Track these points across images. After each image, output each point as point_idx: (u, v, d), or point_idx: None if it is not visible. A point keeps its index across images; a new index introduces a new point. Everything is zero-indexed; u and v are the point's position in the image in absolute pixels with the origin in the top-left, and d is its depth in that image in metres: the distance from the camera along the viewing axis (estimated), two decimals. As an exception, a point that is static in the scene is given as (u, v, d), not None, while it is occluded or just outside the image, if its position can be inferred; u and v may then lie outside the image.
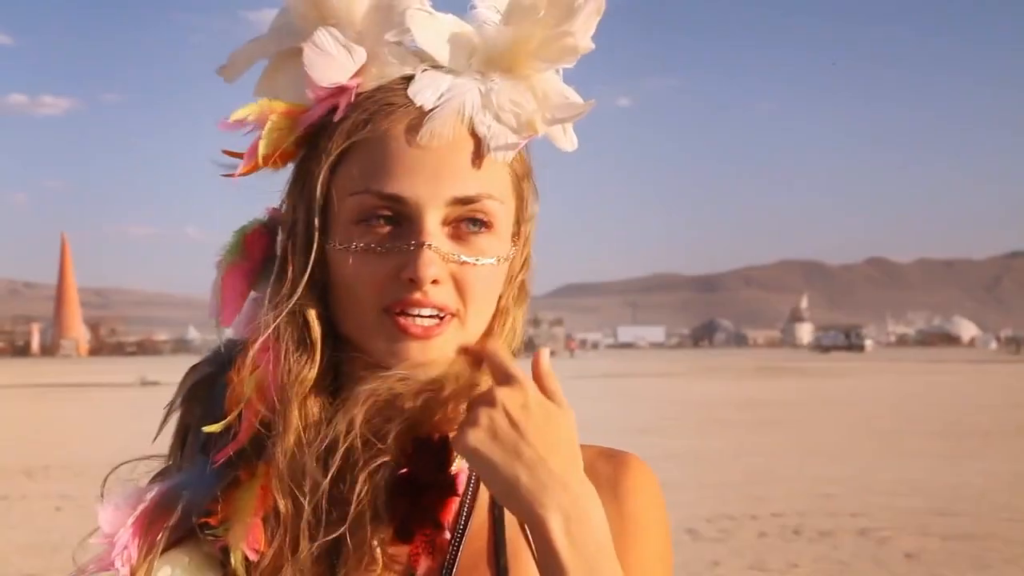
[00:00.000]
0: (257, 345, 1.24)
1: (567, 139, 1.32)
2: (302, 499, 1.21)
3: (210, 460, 1.26)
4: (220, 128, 1.28)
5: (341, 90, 1.23)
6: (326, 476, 1.20)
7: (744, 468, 16.91)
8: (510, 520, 1.23)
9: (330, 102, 1.24)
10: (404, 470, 1.23)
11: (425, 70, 1.23)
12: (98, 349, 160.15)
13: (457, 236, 1.22)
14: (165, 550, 1.24)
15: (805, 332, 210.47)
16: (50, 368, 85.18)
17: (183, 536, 1.25)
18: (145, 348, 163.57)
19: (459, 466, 1.26)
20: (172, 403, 1.37)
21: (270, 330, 1.23)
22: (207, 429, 1.27)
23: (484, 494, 1.27)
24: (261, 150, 1.26)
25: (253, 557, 1.22)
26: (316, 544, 1.21)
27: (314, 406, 1.23)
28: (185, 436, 1.35)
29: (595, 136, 1.32)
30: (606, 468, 1.30)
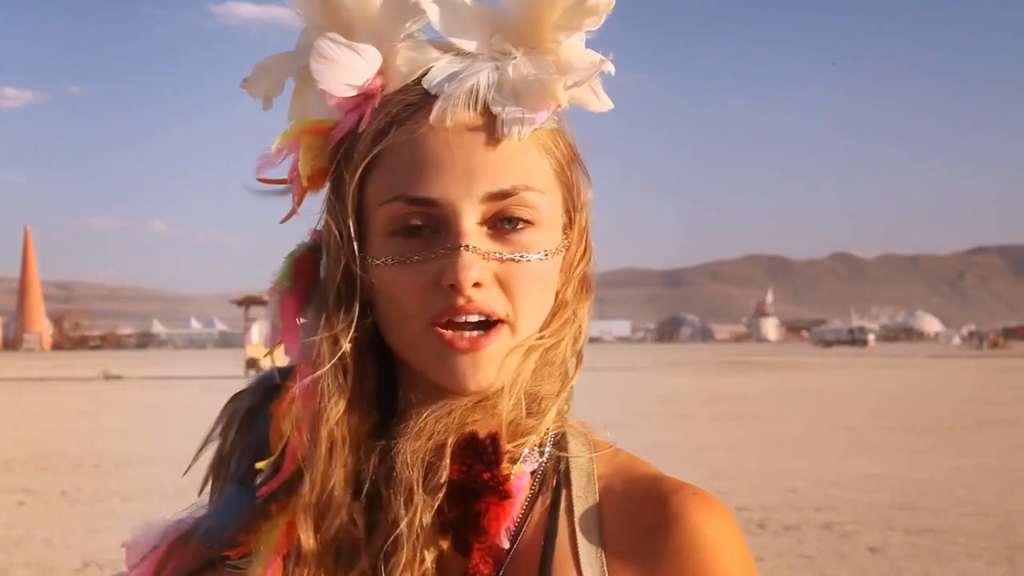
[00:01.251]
0: (299, 376, 1.19)
1: (600, 101, 1.24)
2: (328, 535, 1.15)
3: (251, 493, 1.20)
4: (260, 166, 1.24)
5: (366, 97, 1.19)
6: (361, 511, 1.16)
7: (709, 462, 16.94)
8: (562, 530, 1.17)
9: (357, 111, 1.19)
10: (452, 474, 1.14)
11: (442, 58, 1.18)
12: (61, 343, 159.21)
13: (497, 236, 1.15)
14: None
15: (770, 327, 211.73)
16: (13, 362, 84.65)
17: (204, 568, 1.20)
18: (109, 342, 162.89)
19: (519, 469, 1.17)
20: (210, 433, 1.29)
21: (310, 359, 1.19)
22: (259, 466, 1.21)
23: (541, 501, 1.19)
24: (302, 172, 1.21)
25: None
26: (356, 570, 1.15)
27: (350, 434, 1.18)
28: (220, 469, 1.28)
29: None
30: (647, 514, 1.17)
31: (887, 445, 19.63)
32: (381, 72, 1.19)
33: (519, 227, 1.16)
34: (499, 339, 1.16)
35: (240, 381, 1.34)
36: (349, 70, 1.18)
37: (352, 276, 1.19)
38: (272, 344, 1.26)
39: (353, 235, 1.18)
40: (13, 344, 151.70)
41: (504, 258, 1.15)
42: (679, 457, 17.56)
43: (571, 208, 1.23)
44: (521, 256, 1.16)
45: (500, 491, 1.12)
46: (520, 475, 1.17)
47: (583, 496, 1.19)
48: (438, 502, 1.13)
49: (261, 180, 1.25)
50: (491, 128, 1.15)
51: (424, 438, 1.14)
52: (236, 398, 1.30)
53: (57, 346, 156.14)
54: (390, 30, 1.19)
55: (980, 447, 19.21)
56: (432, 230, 1.15)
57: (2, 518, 12.43)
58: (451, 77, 1.16)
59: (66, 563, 9.86)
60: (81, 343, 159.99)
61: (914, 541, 10.86)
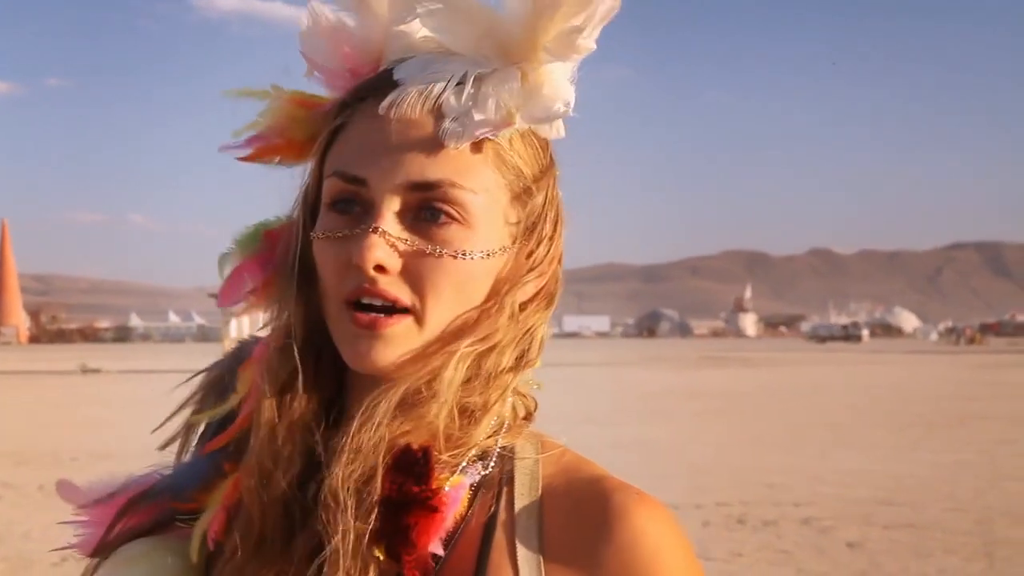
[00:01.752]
0: (263, 341, 1.24)
1: (551, 129, 1.23)
2: (268, 502, 1.16)
3: (213, 458, 1.24)
4: (225, 95, 1.26)
5: (356, 77, 1.22)
6: (301, 489, 1.17)
7: (689, 458, 16.98)
8: (500, 529, 1.15)
9: (339, 90, 1.23)
10: (384, 490, 1.12)
11: (425, 51, 1.19)
12: (39, 336, 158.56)
13: (416, 227, 1.15)
14: (137, 536, 1.23)
15: (749, 322, 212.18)
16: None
17: (161, 524, 1.23)
18: (87, 335, 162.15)
19: (456, 480, 1.15)
20: (184, 402, 1.32)
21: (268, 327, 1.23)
22: (191, 418, 1.27)
23: (479, 511, 1.17)
24: (255, 126, 1.25)
25: (210, 546, 1.19)
26: (289, 547, 1.16)
27: (298, 408, 1.19)
28: (188, 434, 1.31)
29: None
30: (587, 512, 1.16)
31: (867, 441, 19.71)
32: (375, 56, 1.22)
33: (441, 221, 1.15)
34: (400, 326, 1.15)
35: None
36: (332, 42, 1.24)
37: (295, 248, 1.22)
38: (223, 303, 1.28)
39: (308, 206, 1.22)
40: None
41: (415, 248, 1.14)
42: (659, 453, 17.60)
43: (524, 220, 1.21)
44: (435, 249, 1.14)
45: (428, 506, 1.11)
46: (457, 487, 1.15)
47: (524, 494, 1.18)
48: (368, 515, 1.11)
49: (232, 138, 1.28)
50: (434, 128, 1.15)
51: (358, 461, 1.13)
52: (210, 368, 1.33)
53: (34, 339, 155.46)
54: (388, 16, 1.21)
55: (959, 443, 19.30)
56: (362, 210, 1.16)
57: (-21, 512, 12.38)
58: (418, 71, 1.17)
59: (44, 557, 9.81)
60: (58, 336, 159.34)
61: (893, 536, 10.90)
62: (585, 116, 1.23)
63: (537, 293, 1.23)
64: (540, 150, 1.22)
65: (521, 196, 1.20)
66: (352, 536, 1.11)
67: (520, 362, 1.21)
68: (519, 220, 1.20)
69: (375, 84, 1.18)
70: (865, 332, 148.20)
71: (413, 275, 1.14)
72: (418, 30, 1.19)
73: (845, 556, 10.08)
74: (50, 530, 10.82)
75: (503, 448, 1.21)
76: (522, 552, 1.14)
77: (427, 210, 1.15)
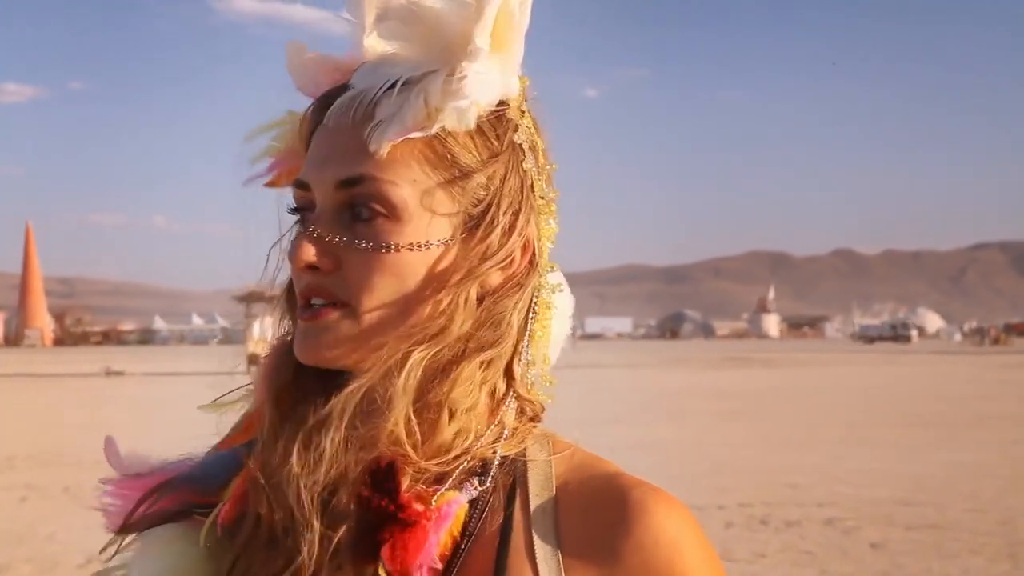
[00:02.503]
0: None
1: (460, 122, 1.17)
2: (271, 494, 1.17)
3: (238, 453, 1.26)
4: (247, 138, 1.33)
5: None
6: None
7: (711, 458, 16.95)
8: (517, 529, 1.15)
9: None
10: (352, 504, 1.12)
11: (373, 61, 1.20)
12: (63, 339, 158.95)
13: (349, 225, 1.18)
14: (161, 521, 1.24)
15: (772, 323, 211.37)
16: (14, 358, 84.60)
17: (181, 513, 1.25)
18: (111, 338, 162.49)
19: (449, 496, 1.14)
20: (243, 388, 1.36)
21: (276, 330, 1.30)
22: (200, 407, 1.32)
23: (491, 521, 1.16)
24: (272, 153, 1.32)
25: (218, 530, 1.20)
26: (279, 549, 1.15)
27: (296, 405, 1.21)
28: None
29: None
30: (605, 510, 1.15)
31: (888, 441, 19.63)
32: (348, 67, 1.25)
33: (365, 216, 1.17)
34: (334, 316, 1.17)
35: (242, 377, 1.35)
36: (308, 74, 1.30)
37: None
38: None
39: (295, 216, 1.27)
40: (15, 340, 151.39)
41: (344, 244, 1.17)
42: (681, 453, 17.57)
43: (470, 208, 1.19)
44: (363, 244, 1.16)
45: (400, 519, 1.10)
46: (450, 502, 1.14)
47: (539, 494, 1.17)
48: (339, 532, 1.12)
49: (254, 162, 1.34)
50: (362, 131, 1.17)
51: (320, 467, 1.13)
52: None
53: (59, 342, 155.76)
54: (364, 20, 1.21)
55: (982, 443, 19.20)
56: (311, 215, 1.21)
57: (5, 514, 12.44)
58: (364, 78, 1.19)
59: (69, 559, 9.87)
60: (83, 339, 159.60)
61: (915, 537, 10.86)
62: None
63: (504, 282, 1.21)
64: (492, 137, 1.21)
65: (456, 185, 1.19)
66: (316, 546, 1.12)
67: (488, 352, 1.19)
68: (458, 211, 1.19)
69: (334, 95, 1.22)
70: (915, 332, 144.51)
71: (346, 271, 1.17)
72: (377, 40, 1.21)
73: (868, 557, 10.06)
74: (74, 532, 10.88)
75: (511, 453, 1.20)
76: (540, 552, 1.14)
77: (355, 207, 1.17)
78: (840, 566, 9.70)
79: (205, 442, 1.33)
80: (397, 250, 1.16)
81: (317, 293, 1.18)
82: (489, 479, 1.18)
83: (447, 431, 1.16)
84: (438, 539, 1.12)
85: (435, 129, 1.16)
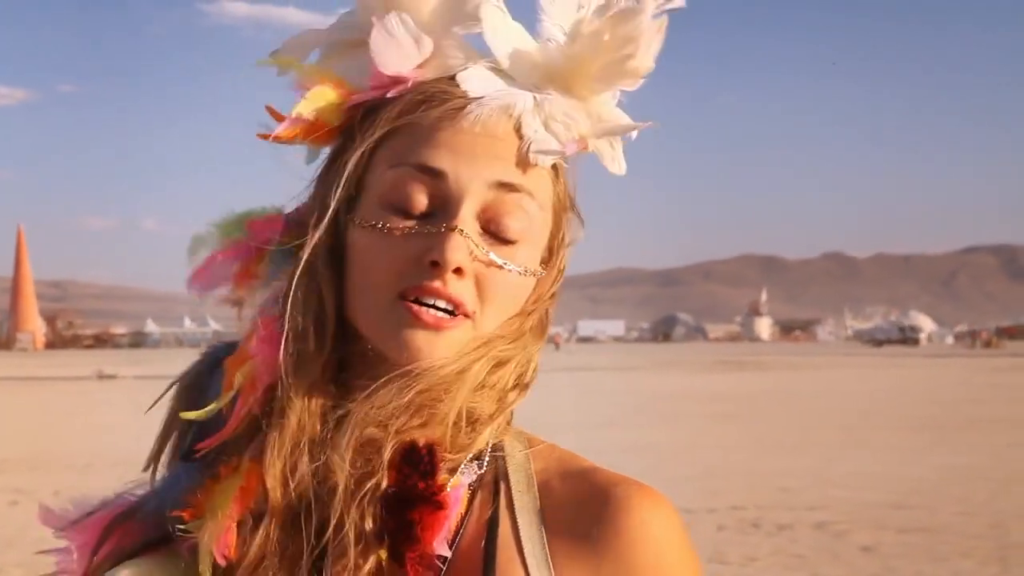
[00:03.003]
0: (260, 331, 1.18)
1: (616, 162, 1.26)
2: (295, 498, 1.14)
3: (197, 469, 1.19)
4: (261, 64, 1.26)
5: (397, 80, 1.20)
6: (319, 486, 1.14)
7: (703, 461, 16.96)
8: (504, 526, 1.16)
9: (384, 91, 1.21)
10: (390, 484, 1.13)
11: (482, 67, 1.20)
12: (54, 342, 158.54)
13: (487, 237, 1.17)
14: (125, 558, 1.18)
15: (764, 326, 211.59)
16: (6, 361, 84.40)
17: (150, 544, 1.18)
18: (102, 341, 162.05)
19: (455, 481, 1.16)
20: (165, 420, 1.29)
21: (272, 316, 1.19)
22: (184, 415, 1.21)
23: (479, 510, 1.18)
24: (299, 108, 1.20)
25: (221, 562, 1.13)
26: (304, 557, 1.13)
27: (318, 400, 1.16)
28: (164, 442, 1.27)
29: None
30: (589, 507, 1.17)
31: (880, 444, 19.66)
32: (422, 64, 1.21)
33: (507, 239, 1.17)
34: (462, 329, 1.16)
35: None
36: (405, 53, 1.20)
37: (328, 230, 1.19)
38: (194, 286, 1.25)
39: (341, 192, 1.19)
40: (6, 343, 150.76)
41: (489, 259, 1.16)
42: (673, 457, 17.58)
43: (554, 244, 1.24)
44: (505, 263, 1.17)
45: (434, 502, 1.12)
46: (457, 487, 1.16)
47: (522, 491, 1.19)
48: (372, 510, 1.12)
49: (269, 111, 1.24)
50: (516, 143, 1.17)
51: (360, 444, 1.13)
52: (182, 376, 1.29)
53: (50, 345, 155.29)
54: (441, 26, 1.21)
55: (973, 446, 19.24)
56: (428, 213, 1.16)
57: (-5, 517, 12.41)
58: (485, 86, 1.18)
59: (59, 562, 9.85)
60: (74, 342, 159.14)
61: (907, 540, 10.88)
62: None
63: (540, 319, 1.25)
64: (568, 184, 1.26)
65: (558, 223, 1.24)
66: (353, 528, 1.11)
67: (519, 382, 1.23)
68: (551, 246, 1.24)
69: (446, 89, 1.19)
70: (923, 335, 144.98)
71: (481, 283, 1.16)
72: (465, 46, 1.21)
73: (860, 560, 10.07)
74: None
75: (492, 447, 1.22)
76: (528, 546, 1.15)
77: (496, 223, 1.17)
78: (831, 569, 9.71)
79: (140, 470, 1.28)
80: (525, 274, 1.19)
81: (447, 297, 1.14)
82: (485, 463, 1.21)
83: (479, 439, 1.19)
84: (451, 523, 1.13)
85: (591, 149, 1.23)
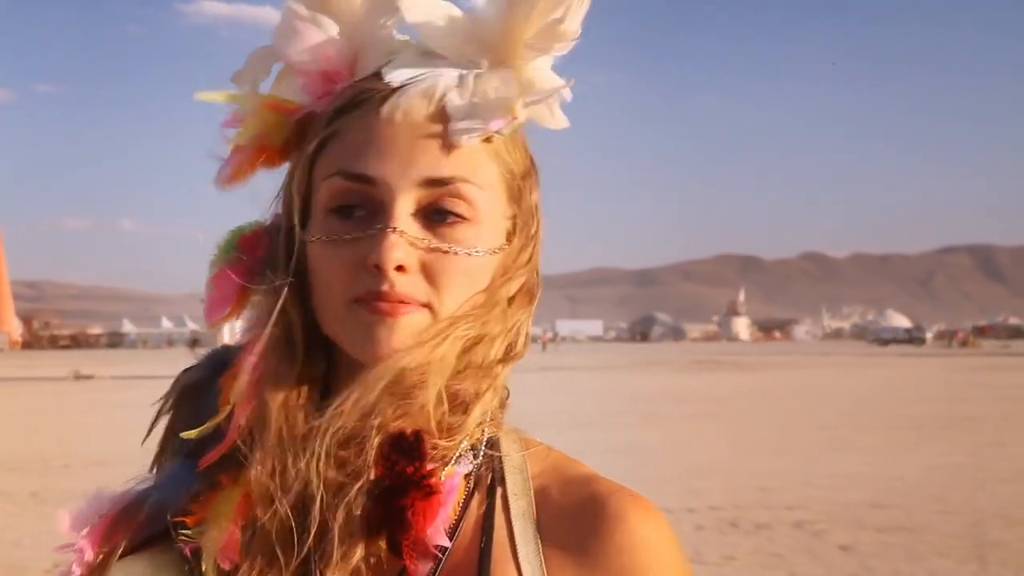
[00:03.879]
0: (248, 345, 1.21)
1: (555, 119, 1.25)
2: (282, 509, 1.15)
3: (194, 464, 1.21)
4: (198, 99, 1.27)
5: (333, 82, 1.22)
6: (305, 493, 1.15)
7: (682, 461, 16.98)
8: (499, 527, 1.17)
9: (322, 99, 1.22)
10: (378, 471, 1.13)
11: (409, 54, 1.20)
12: (31, 343, 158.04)
13: (429, 227, 1.16)
14: (127, 553, 1.19)
15: (742, 326, 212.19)
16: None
17: (151, 539, 1.20)
18: (79, 342, 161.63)
19: (450, 470, 1.17)
20: (161, 407, 1.31)
21: (259, 332, 1.20)
22: (184, 435, 1.22)
23: (475, 509, 1.19)
24: (237, 139, 1.24)
25: (225, 566, 1.16)
26: (295, 558, 1.14)
27: (298, 412, 1.18)
28: (168, 442, 1.30)
29: (534, 129, 1.28)
30: (584, 514, 1.17)
31: (858, 444, 19.71)
32: (351, 61, 1.22)
33: (450, 221, 1.17)
34: (417, 315, 1.16)
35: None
36: (306, 39, 1.22)
37: (290, 252, 1.21)
38: (211, 319, 1.26)
39: (297, 211, 1.21)
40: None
41: (431, 247, 1.16)
42: (652, 456, 17.59)
43: (516, 216, 1.24)
44: (450, 248, 1.16)
45: (424, 486, 1.12)
46: (452, 476, 1.17)
47: (518, 493, 1.20)
48: (355, 498, 1.12)
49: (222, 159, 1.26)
50: (442, 128, 1.17)
51: (337, 431, 1.14)
52: (186, 372, 1.32)
53: (27, 346, 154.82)
54: (366, 21, 1.22)
55: (950, 446, 19.30)
56: (367, 212, 1.16)
57: (-29, 519, 12.35)
58: (410, 74, 1.18)
59: (36, 564, 9.81)
60: (51, 343, 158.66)
61: (885, 540, 10.91)
62: (577, 120, 1.25)
63: (520, 289, 1.25)
64: (525, 152, 1.26)
65: (514, 194, 1.23)
66: (339, 513, 1.12)
67: (508, 354, 1.23)
68: (513, 216, 1.24)
69: (369, 87, 1.19)
70: (929, 335, 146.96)
71: (430, 272, 1.16)
72: (392, 34, 1.23)
73: (838, 559, 10.09)
74: (42, 537, 10.81)
75: (488, 440, 1.22)
76: (523, 550, 1.16)
77: (438, 211, 1.17)
78: (809, 568, 9.73)
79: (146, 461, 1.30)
80: (479, 253, 1.18)
81: (396, 298, 1.14)
82: (480, 453, 1.21)
83: (468, 420, 1.18)
84: (447, 512, 1.14)
85: (520, 119, 1.20)
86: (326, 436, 1.13)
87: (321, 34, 1.22)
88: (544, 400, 27.60)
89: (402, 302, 1.14)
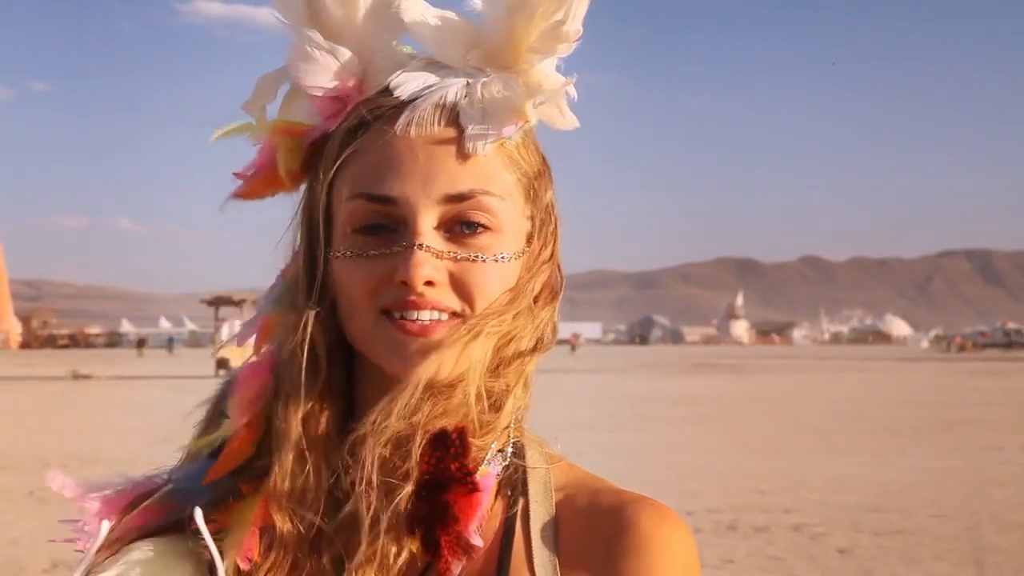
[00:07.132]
0: (261, 360, 1.25)
1: (565, 119, 1.27)
2: (301, 522, 1.18)
3: (219, 449, 1.23)
4: (216, 139, 1.28)
5: (344, 102, 1.24)
6: (332, 504, 1.18)
7: (679, 464, 16.98)
8: (518, 536, 1.19)
9: (337, 117, 1.24)
10: (421, 467, 1.15)
11: (417, 68, 1.21)
12: (29, 342, 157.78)
13: (454, 239, 1.18)
14: (140, 537, 1.20)
15: (740, 329, 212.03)
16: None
17: (164, 528, 1.21)
18: (77, 341, 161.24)
19: (484, 470, 1.19)
20: (211, 403, 1.31)
21: (274, 347, 1.24)
22: (194, 444, 1.26)
23: (499, 506, 1.21)
24: (281, 169, 1.25)
25: (244, 566, 1.18)
26: (321, 560, 1.17)
27: (325, 422, 1.21)
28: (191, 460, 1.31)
29: (540, 131, 1.31)
30: (602, 524, 1.19)
31: (855, 447, 19.71)
32: (359, 78, 1.23)
33: (476, 231, 1.19)
34: (446, 328, 1.17)
35: (210, 381, 1.34)
36: (325, 70, 1.23)
37: (314, 270, 1.23)
38: (241, 341, 1.29)
39: (322, 231, 1.22)
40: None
41: (459, 257, 1.18)
42: (649, 458, 17.61)
43: (535, 216, 1.26)
44: (477, 255, 1.18)
45: (468, 482, 1.14)
46: (486, 476, 1.19)
47: (540, 503, 1.21)
48: (403, 500, 1.14)
49: (238, 176, 1.28)
50: (456, 138, 1.18)
51: (387, 436, 1.15)
52: (209, 399, 1.32)
53: (25, 345, 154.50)
54: (372, 39, 1.24)
55: (947, 449, 19.31)
56: (391, 230, 1.18)
57: (-32, 517, 12.34)
58: (423, 87, 1.19)
59: (34, 563, 9.79)
60: (49, 342, 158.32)
61: (882, 543, 10.91)
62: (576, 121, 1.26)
63: (543, 286, 1.27)
64: (537, 152, 1.27)
65: (531, 196, 1.25)
66: (383, 511, 1.13)
67: (537, 348, 1.25)
68: (532, 217, 1.25)
69: (381, 103, 1.20)
70: (925, 342, 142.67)
71: (458, 282, 1.18)
72: (399, 53, 1.24)
73: (836, 562, 10.10)
74: (39, 536, 10.80)
75: (514, 444, 1.25)
76: (538, 555, 1.17)
77: (461, 224, 1.18)
78: (807, 572, 9.73)
79: (174, 445, 1.32)
80: (507, 260, 1.20)
81: (427, 307, 1.16)
82: (509, 455, 1.24)
83: (501, 415, 1.21)
84: (483, 511, 1.17)
85: (532, 122, 1.22)
86: (377, 440, 1.15)
87: (337, 62, 1.23)
88: (541, 402, 27.36)
89: (433, 308, 1.16)
